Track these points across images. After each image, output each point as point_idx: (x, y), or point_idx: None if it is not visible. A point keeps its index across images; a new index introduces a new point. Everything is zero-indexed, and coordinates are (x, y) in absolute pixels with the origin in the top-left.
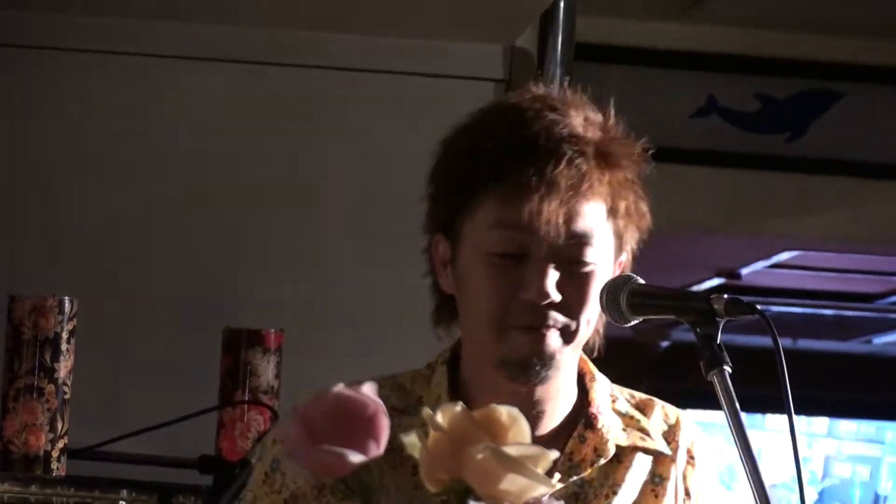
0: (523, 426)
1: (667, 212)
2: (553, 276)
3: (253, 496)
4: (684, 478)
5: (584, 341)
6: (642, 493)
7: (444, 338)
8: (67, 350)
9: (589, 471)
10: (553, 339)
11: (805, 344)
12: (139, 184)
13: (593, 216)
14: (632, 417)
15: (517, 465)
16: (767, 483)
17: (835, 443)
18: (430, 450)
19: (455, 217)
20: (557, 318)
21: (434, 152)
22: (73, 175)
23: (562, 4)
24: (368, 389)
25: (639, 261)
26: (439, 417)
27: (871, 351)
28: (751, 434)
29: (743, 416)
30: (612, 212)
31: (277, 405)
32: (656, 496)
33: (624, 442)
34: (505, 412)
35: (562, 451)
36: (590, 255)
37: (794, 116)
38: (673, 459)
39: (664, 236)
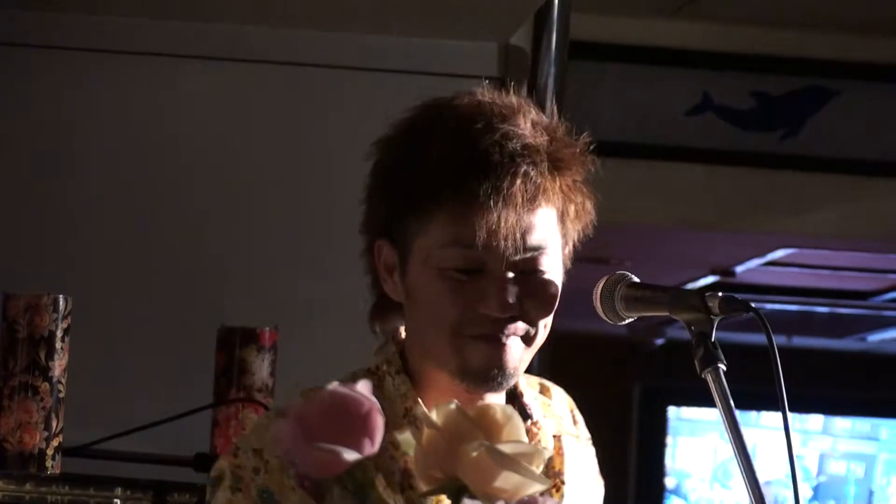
0: (517, 424)
1: (661, 209)
2: (512, 288)
3: None
4: (591, 460)
5: (540, 344)
6: (578, 477)
7: (381, 334)
8: (62, 348)
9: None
10: (514, 348)
11: (800, 341)
12: (133, 182)
13: (546, 224)
14: (545, 403)
15: (512, 462)
16: (762, 480)
17: (829, 440)
18: (424, 448)
19: (401, 227)
20: (517, 326)
21: (372, 151)
22: (68, 173)
23: (556, 2)
24: (363, 387)
25: (633, 258)
26: (434, 415)
27: (866, 348)
28: (745, 431)
29: (737, 413)
30: (563, 216)
31: (272, 403)
32: (582, 479)
33: (553, 430)
34: (499, 410)
35: None
36: (545, 263)
37: (790, 114)
38: (579, 442)
39: (658, 234)
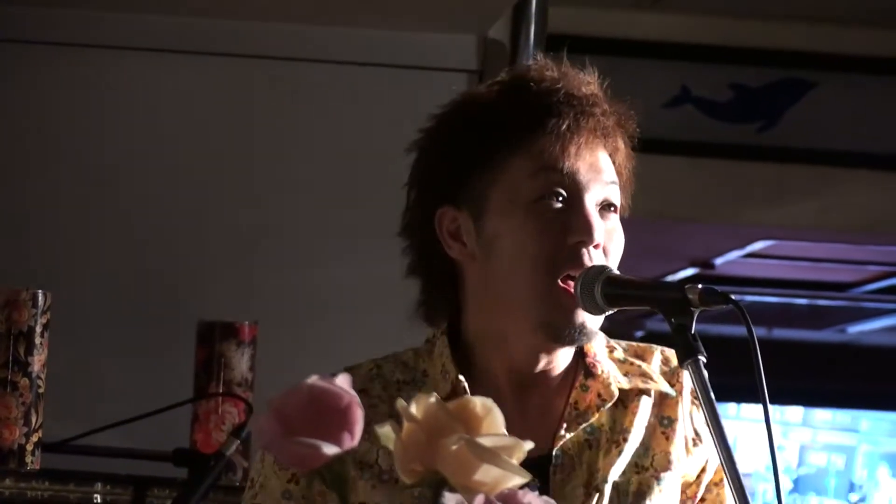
0: (497, 417)
1: (640, 202)
2: (597, 218)
3: None
4: (692, 419)
5: None
6: (652, 435)
7: (427, 329)
8: (41, 343)
9: (596, 416)
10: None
11: (780, 333)
12: (112, 177)
13: (613, 172)
14: (631, 363)
15: (492, 455)
16: (742, 472)
17: (810, 432)
18: (404, 441)
19: (471, 183)
20: (600, 262)
21: (428, 129)
22: (47, 168)
23: None
24: (342, 381)
25: None
26: (413, 408)
27: (846, 340)
28: (726, 423)
29: (717, 405)
30: (620, 174)
31: (251, 398)
32: (667, 438)
33: (626, 385)
34: (479, 403)
35: (564, 402)
36: (618, 201)
37: (768, 106)
38: (678, 401)
39: (637, 226)
